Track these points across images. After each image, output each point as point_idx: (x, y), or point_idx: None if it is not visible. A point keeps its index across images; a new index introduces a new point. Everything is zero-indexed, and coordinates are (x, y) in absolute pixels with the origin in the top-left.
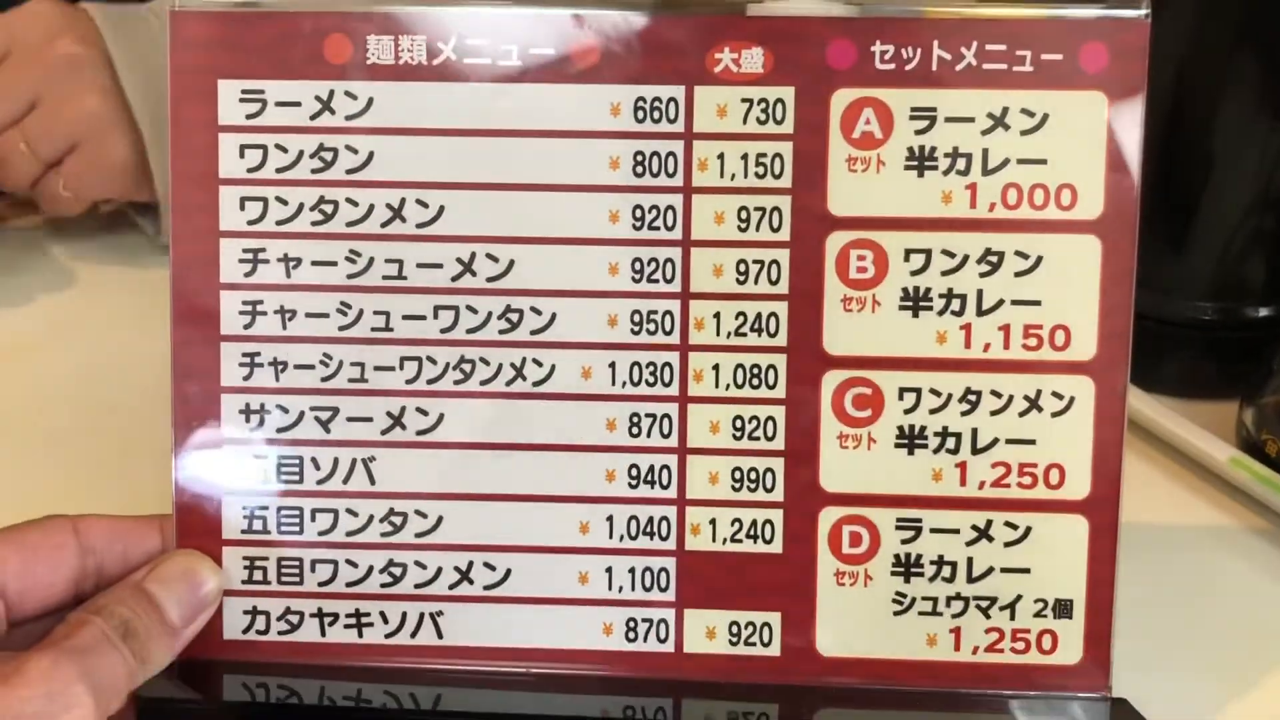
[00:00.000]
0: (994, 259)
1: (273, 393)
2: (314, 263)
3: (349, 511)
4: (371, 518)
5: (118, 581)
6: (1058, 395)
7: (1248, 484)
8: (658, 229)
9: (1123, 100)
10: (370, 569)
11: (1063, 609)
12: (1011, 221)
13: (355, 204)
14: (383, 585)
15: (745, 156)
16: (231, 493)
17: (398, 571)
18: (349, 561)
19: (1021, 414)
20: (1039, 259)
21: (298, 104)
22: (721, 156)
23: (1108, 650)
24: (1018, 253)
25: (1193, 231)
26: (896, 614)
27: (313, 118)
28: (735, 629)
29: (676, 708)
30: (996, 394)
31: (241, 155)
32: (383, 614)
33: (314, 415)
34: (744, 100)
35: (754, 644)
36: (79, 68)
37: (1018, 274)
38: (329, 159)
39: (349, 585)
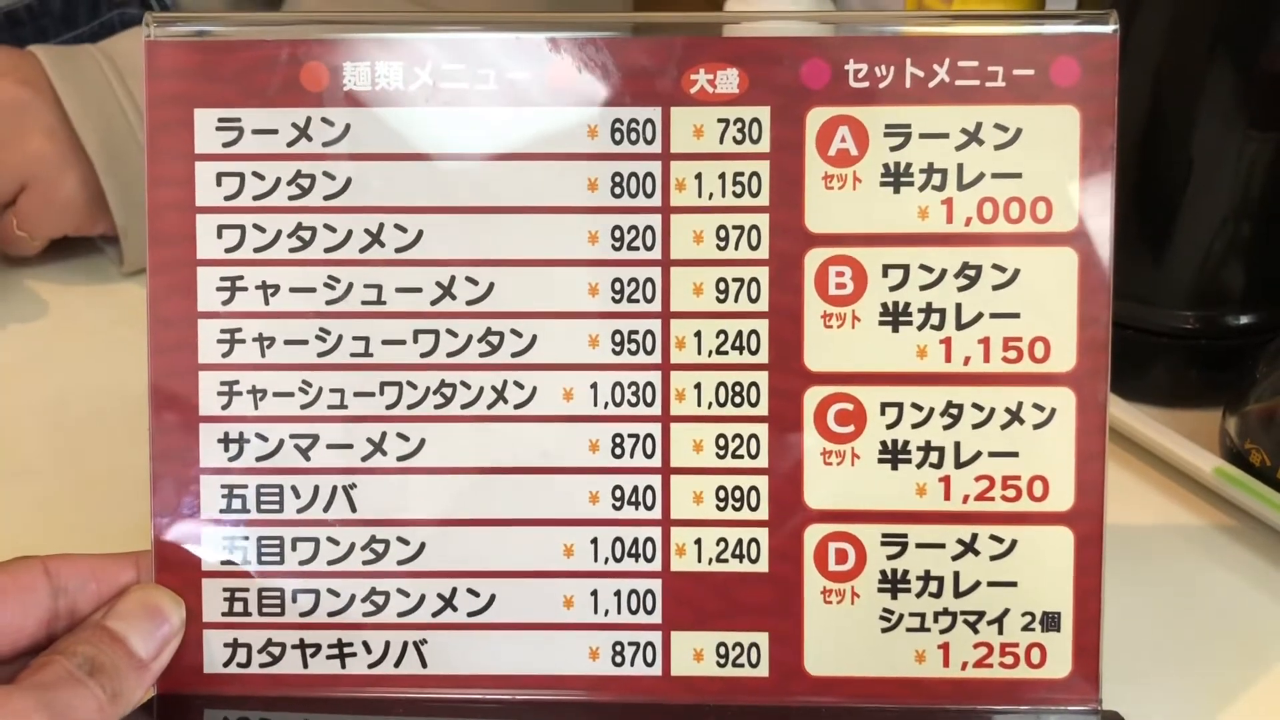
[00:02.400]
0: (972, 273)
1: (252, 421)
2: (292, 289)
3: (330, 540)
4: (353, 546)
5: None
6: (1039, 407)
7: (1232, 493)
8: (637, 249)
9: (1095, 113)
10: (352, 598)
11: (1050, 622)
12: (988, 235)
13: (333, 230)
14: (365, 614)
15: (723, 176)
16: (210, 524)
17: (380, 600)
18: (331, 591)
19: (1003, 427)
20: (1016, 272)
21: (274, 131)
22: (699, 176)
23: (1096, 662)
24: (995, 266)
25: (1172, 241)
26: (884, 631)
27: (290, 145)
28: (723, 650)
29: None
30: (978, 407)
31: (218, 183)
32: (365, 644)
33: (294, 443)
34: (720, 120)
35: (742, 665)
36: (22, 110)
37: (996, 287)
38: (306, 185)
39: (331, 615)
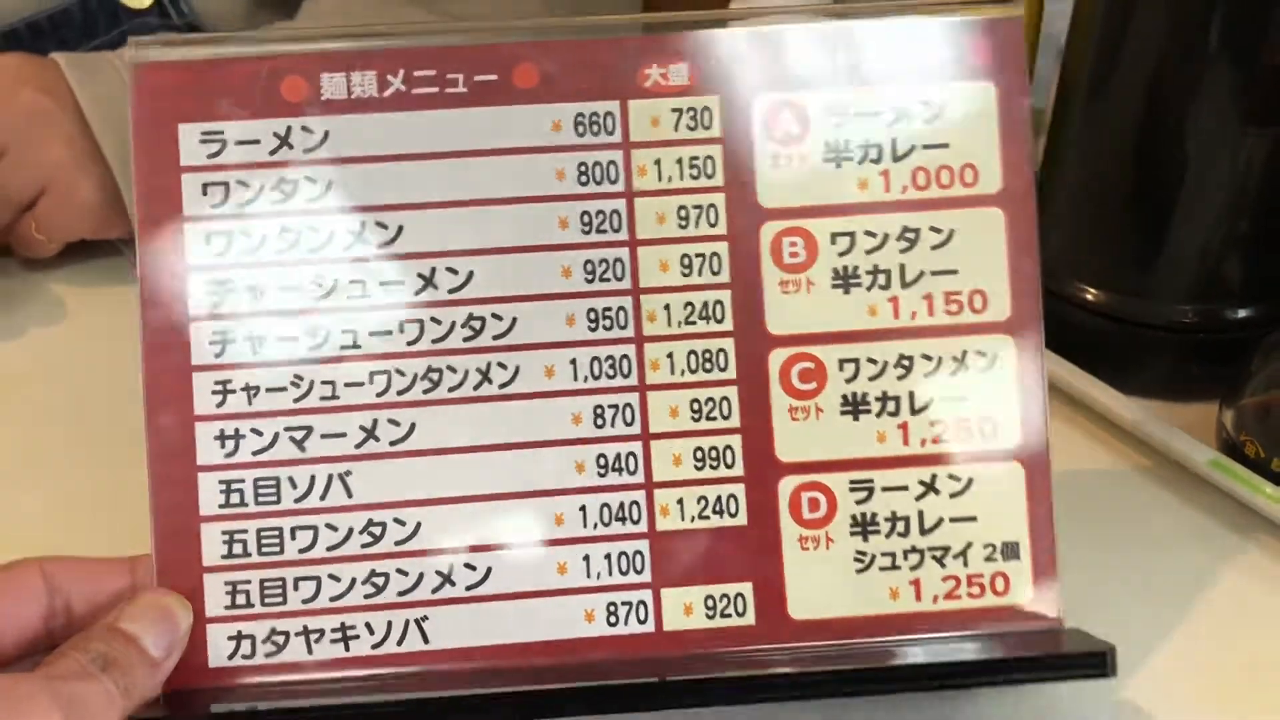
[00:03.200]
0: (911, 235)
1: (246, 417)
2: (280, 289)
3: (328, 526)
4: (351, 530)
5: (87, 622)
6: (981, 354)
7: (1227, 485)
8: (605, 232)
9: (1008, 86)
10: (353, 581)
11: (1010, 551)
12: (923, 201)
13: (317, 231)
14: (366, 596)
15: (680, 160)
16: (210, 520)
17: (380, 581)
18: (331, 576)
19: (951, 374)
20: (951, 232)
21: (257, 141)
22: (658, 162)
23: (1055, 585)
24: (932, 228)
25: (1172, 235)
26: (859, 572)
27: (272, 153)
28: (711, 602)
29: (662, 685)
30: (927, 357)
31: (204, 193)
32: (368, 625)
33: (288, 435)
34: (674, 110)
35: (730, 615)
36: (43, 117)
37: (934, 247)
38: (289, 191)
39: (333, 600)
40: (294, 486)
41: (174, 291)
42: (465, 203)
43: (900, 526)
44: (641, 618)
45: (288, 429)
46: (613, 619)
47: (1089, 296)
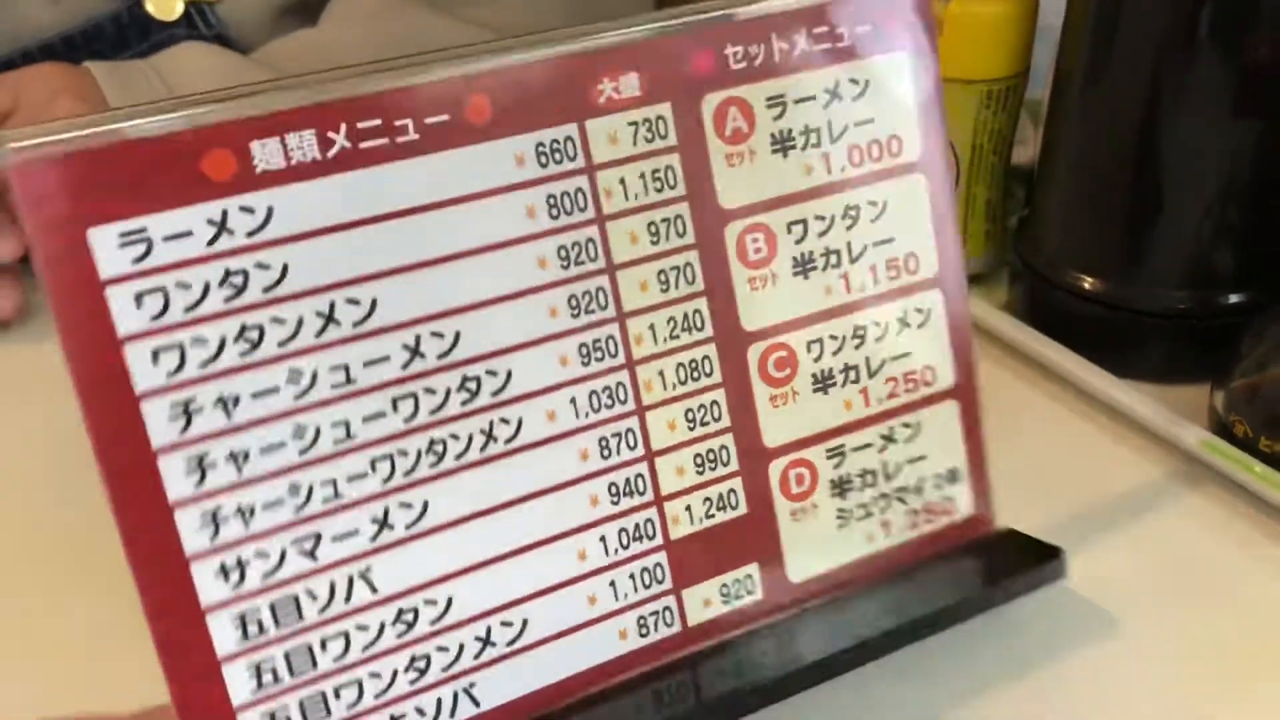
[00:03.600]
0: (854, 212)
1: (247, 542)
2: (254, 395)
3: (359, 628)
4: (383, 625)
5: None
6: (919, 310)
7: (1218, 464)
8: (583, 263)
9: (919, 58)
10: (395, 673)
11: (953, 476)
12: (860, 177)
13: (282, 321)
14: (411, 683)
15: (642, 175)
16: (231, 658)
17: (422, 665)
18: (372, 674)
19: (898, 333)
20: (885, 203)
21: (189, 234)
22: (623, 181)
23: (989, 498)
24: (870, 202)
25: (1166, 223)
26: (840, 528)
27: (210, 243)
28: (725, 589)
29: (695, 678)
30: (877, 324)
31: (139, 305)
32: (418, 709)
33: (297, 549)
34: (630, 124)
35: (741, 597)
36: None
37: (873, 220)
38: (240, 283)
39: (378, 696)
40: (314, 599)
41: (128, 426)
42: (438, 260)
43: (869, 479)
44: (669, 621)
45: (295, 541)
46: (644, 630)
47: (1085, 284)
